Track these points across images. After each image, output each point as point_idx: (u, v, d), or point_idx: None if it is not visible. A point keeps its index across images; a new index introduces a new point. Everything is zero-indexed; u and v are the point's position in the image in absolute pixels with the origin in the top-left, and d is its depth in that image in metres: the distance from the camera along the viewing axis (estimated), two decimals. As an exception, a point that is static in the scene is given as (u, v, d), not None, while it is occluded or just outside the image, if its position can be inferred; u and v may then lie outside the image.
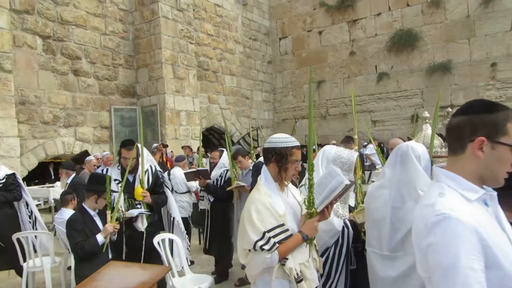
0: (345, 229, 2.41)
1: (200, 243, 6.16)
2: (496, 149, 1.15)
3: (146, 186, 3.61)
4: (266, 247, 1.82)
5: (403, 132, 12.42)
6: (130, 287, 2.39)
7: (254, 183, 4.25)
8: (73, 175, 5.68)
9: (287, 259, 1.89)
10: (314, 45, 15.65)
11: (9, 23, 7.65)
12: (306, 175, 2.23)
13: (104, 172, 3.70)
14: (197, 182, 4.96)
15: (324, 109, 15.44)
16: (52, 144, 8.84)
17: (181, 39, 10.95)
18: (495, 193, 1.22)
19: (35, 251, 4.19)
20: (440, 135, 3.91)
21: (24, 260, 4.21)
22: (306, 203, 1.97)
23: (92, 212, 3.21)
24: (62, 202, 4.57)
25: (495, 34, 12.22)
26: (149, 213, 3.60)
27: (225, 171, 4.94)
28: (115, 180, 3.54)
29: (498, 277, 1.06)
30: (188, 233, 5.56)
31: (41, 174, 11.97)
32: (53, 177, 12.10)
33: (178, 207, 4.89)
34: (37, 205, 9.77)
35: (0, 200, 4.34)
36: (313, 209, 1.95)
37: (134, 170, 3.59)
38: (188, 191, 5.89)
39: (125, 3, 10.63)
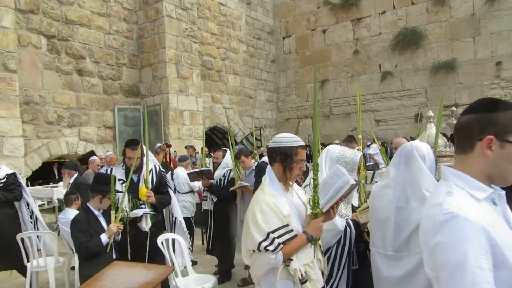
0: (348, 228, 2.40)
1: (203, 243, 6.16)
2: (505, 148, 1.14)
3: (150, 186, 3.61)
4: (271, 247, 1.81)
5: (407, 132, 12.38)
6: (134, 287, 2.38)
7: (257, 183, 4.25)
8: (76, 175, 5.69)
9: (291, 260, 1.87)
10: (318, 44, 15.62)
11: (14, 23, 7.67)
12: (310, 175, 2.21)
13: (109, 172, 3.71)
14: (200, 182, 4.96)
15: (327, 109, 15.41)
16: (56, 144, 8.87)
17: (185, 38, 10.97)
18: (503, 192, 1.21)
19: (38, 250, 4.19)
20: (444, 134, 3.89)
21: (28, 260, 4.21)
22: (311, 203, 1.95)
23: (96, 212, 3.22)
24: (66, 202, 4.57)
25: (500, 32, 12.14)
26: (154, 213, 3.61)
27: (228, 171, 4.94)
28: (119, 180, 3.55)
29: (507, 277, 1.05)
30: (191, 233, 5.56)
31: (45, 174, 12.03)
32: (57, 177, 12.16)
33: (180, 207, 4.90)
34: (41, 205, 9.85)
35: (0, 199, 4.31)
36: (318, 209, 1.93)
37: (138, 170, 3.60)
38: (191, 191, 5.89)
39: (129, 2, 10.66)
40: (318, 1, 15.46)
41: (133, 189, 3.50)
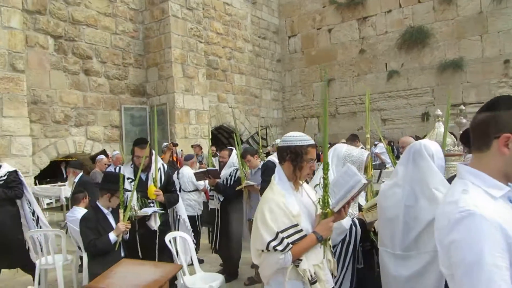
0: (353, 227, 2.39)
1: (209, 242, 6.18)
2: None
3: (158, 184, 3.63)
4: (280, 247, 1.79)
5: (413, 131, 12.30)
6: (142, 284, 2.40)
7: (264, 182, 4.25)
8: (80, 174, 5.72)
9: (301, 260, 1.85)
10: (324, 43, 15.56)
11: (22, 24, 7.74)
12: (318, 174, 2.20)
13: (117, 170, 3.73)
14: (207, 181, 4.97)
15: (333, 108, 15.37)
16: (63, 143, 8.94)
17: (191, 38, 10.99)
18: None
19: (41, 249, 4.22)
20: (452, 133, 3.87)
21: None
22: (321, 202, 1.92)
23: (105, 211, 3.24)
24: (73, 201, 4.59)
25: (508, 30, 12.01)
26: (163, 211, 3.62)
27: (235, 170, 4.94)
28: (128, 178, 3.57)
29: None
30: (197, 232, 5.57)
31: (52, 173, 12.14)
32: (64, 176, 12.27)
33: (185, 205, 4.91)
34: (49, 204, 9.94)
35: (0, 196, 4.25)
36: (328, 209, 1.90)
37: (147, 168, 3.62)
38: (196, 190, 5.90)
39: (135, 2, 10.70)
40: (324, 0, 15.41)
41: (141, 187, 3.52)
